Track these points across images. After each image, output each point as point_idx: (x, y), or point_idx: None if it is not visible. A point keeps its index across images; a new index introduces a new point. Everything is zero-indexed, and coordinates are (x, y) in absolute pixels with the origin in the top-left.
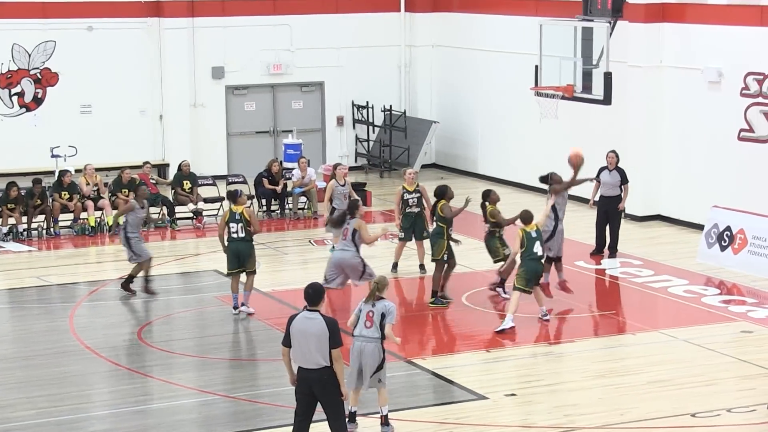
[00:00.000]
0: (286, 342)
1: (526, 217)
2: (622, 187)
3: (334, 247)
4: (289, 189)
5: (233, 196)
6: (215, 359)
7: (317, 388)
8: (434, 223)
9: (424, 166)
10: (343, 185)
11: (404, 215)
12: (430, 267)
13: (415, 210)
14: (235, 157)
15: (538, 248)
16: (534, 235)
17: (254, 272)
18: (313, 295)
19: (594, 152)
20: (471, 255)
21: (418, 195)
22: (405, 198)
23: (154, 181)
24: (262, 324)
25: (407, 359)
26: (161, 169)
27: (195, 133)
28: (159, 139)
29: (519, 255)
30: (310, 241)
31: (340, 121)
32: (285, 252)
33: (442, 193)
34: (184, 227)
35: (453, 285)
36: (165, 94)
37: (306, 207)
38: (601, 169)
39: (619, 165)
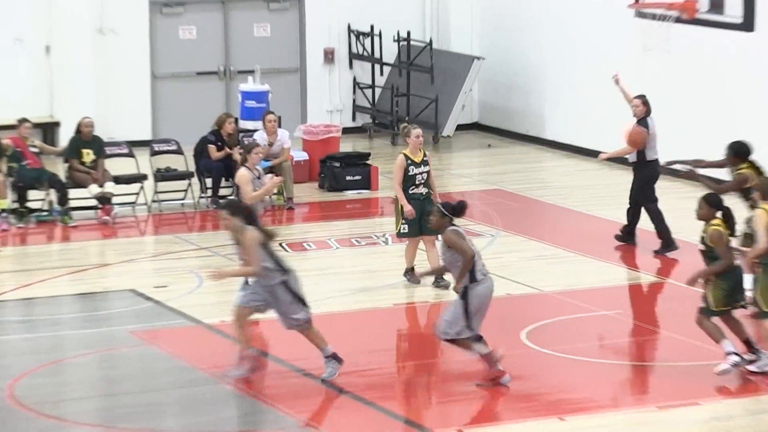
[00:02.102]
0: None
1: None
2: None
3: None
4: None
5: None
6: None
7: None
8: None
9: (461, 127)
10: (259, 177)
11: (407, 197)
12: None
13: (423, 191)
14: (165, 113)
15: None
16: None
17: None
18: None
19: (729, 104)
20: (528, 267)
21: (427, 169)
22: (410, 172)
23: (35, 150)
24: (204, 376)
25: None
26: (48, 130)
27: (102, 75)
28: (44, 83)
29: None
30: (281, 245)
31: (329, 56)
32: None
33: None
34: (84, 221)
35: (501, 314)
36: (54, 14)
37: (276, 190)
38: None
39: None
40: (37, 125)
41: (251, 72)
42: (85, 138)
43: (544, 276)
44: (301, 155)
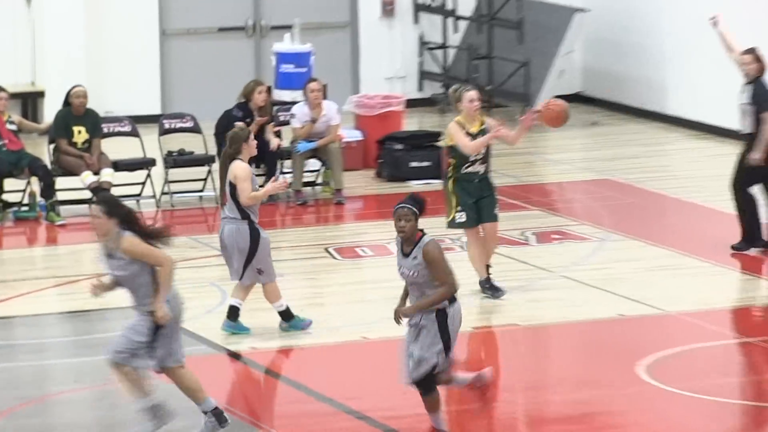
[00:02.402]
0: None
1: None
2: (760, 116)
3: None
4: (286, 144)
5: None
6: None
7: None
8: None
9: (560, 98)
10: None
11: (461, 177)
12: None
13: (480, 170)
14: (178, 81)
15: None
16: None
17: None
18: None
19: None
20: (647, 280)
21: None
22: None
23: (13, 128)
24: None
25: None
26: (30, 102)
27: (97, 33)
28: (25, 44)
29: None
30: (327, 250)
31: (388, 7)
32: (279, 273)
33: None
34: (75, 219)
35: (612, 341)
36: None
37: (322, 180)
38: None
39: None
40: (15, 95)
41: (288, 28)
42: (76, 112)
43: (668, 292)
44: (353, 135)
